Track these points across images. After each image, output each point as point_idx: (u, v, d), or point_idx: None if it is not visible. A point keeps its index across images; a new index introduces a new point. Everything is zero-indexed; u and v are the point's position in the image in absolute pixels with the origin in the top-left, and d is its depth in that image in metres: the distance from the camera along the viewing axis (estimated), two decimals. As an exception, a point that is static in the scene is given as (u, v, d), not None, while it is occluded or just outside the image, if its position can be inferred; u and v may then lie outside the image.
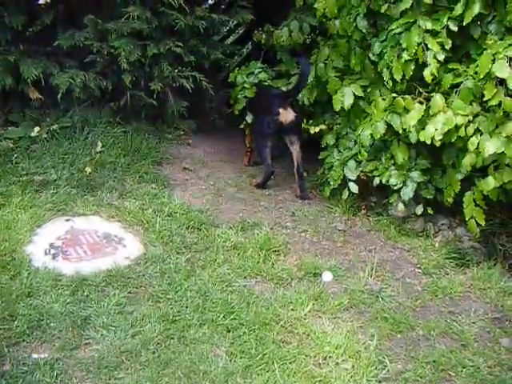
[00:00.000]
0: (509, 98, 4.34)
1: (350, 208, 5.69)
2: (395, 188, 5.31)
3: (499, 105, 4.41)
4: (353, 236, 5.39)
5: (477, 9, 4.61)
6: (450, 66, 4.84)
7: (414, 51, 4.85)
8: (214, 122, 7.11)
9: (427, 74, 4.87)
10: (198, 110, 7.04)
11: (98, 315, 4.06)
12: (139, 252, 4.81)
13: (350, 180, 5.60)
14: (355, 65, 5.61)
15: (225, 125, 7.20)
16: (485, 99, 4.46)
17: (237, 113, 6.48)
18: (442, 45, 4.81)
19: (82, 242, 4.90)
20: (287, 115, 5.94)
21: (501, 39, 4.57)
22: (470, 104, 4.64)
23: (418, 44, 4.83)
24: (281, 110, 5.93)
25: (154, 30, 6.45)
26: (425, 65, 4.87)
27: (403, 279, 4.82)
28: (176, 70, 6.60)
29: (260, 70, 6.47)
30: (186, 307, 4.21)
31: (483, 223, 4.94)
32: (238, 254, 4.88)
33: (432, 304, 4.56)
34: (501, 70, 4.30)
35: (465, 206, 4.95)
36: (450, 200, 5.15)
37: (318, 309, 4.34)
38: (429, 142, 4.79)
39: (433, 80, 4.93)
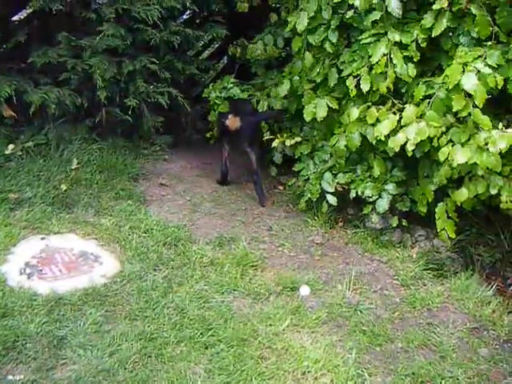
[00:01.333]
0: (477, 110, 4.37)
1: (328, 221, 5.69)
2: (370, 200, 5.32)
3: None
4: (330, 249, 5.39)
5: (446, 21, 4.64)
6: (424, 79, 4.86)
7: (376, 61, 4.87)
8: (190, 137, 7.10)
9: (383, 86, 4.90)
10: (173, 125, 7.03)
11: (75, 335, 4.01)
12: (116, 270, 4.77)
13: (327, 193, 5.60)
14: (318, 76, 5.64)
15: (201, 140, 7.18)
16: (453, 110, 4.49)
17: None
18: (410, 58, 4.84)
19: (57, 260, 4.85)
20: (234, 122, 6.15)
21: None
22: (444, 115, 4.66)
23: (384, 55, 4.85)
24: (230, 116, 6.19)
25: (129, 47, 6.45)
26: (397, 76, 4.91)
27: (381, 291, 4.82)
28: (151, 86, 6.61)
29: (232, 84, 6.48)
30: (164, 325, 4.18)
31: (453, 235, 5.00)
32: (216, 270, 4.86)
33: (410, 316, 4.56)
34: (468, 83, 4.33)
35: (437, 218, 5.00)
36: (424, 210, 5.19)
37: (297, 323, 4.33)
38: (397, 149, 4.80)
39: (406, 91, 4.97)
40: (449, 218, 4.96)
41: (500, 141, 4.24)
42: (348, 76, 5.17)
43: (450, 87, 4.40)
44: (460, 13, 4.62)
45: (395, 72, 4.85)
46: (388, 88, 4.92)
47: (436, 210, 4.99)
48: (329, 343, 4.14)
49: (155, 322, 4.21)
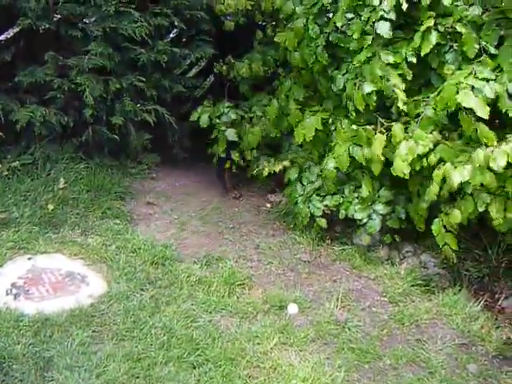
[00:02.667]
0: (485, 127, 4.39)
1: (315, 238, 5.68)
2: (360, 223, 5.34)
3: (460, 134, 4.49)
4: (318, 267, 5.38)
5: (434, 40, 4.68)
6: (413, 97, 4.89)
7: (375, 82, 4.89)
8: (178, 155, 7.09)
9: (399, 105, 4.86)
10: (161, 143, 7.02)
11: (62, 356, 3.99)
12: (103, 290, 4.75)
13: (316, 216, 5.57)
14: (322, 93, 5.66)
15: (188, 158, 7.18)
16: (461, 130, 4.53)
17: (222, 155, 6.47)
18: (403, 76, 4.87)
19: (44, 280, 4.83)
20: None
21: (459, 68, 4.63)
22: (431, 133, 4.68)
23: (381, 77, 4.87)
24: None
25: (116, 65, 6.44)
26: (387, 96, 4.92)
27: (369, 308, 4.82)
28: (138, 105, 6.60)
29: (228, 109, 6.45)
30: (151, 345, 4.17)
31: (456, 247, 4.94)
32: (203, 289, 4.85)
33: (399, 332, 4.57)
34: (467, 100, 4.34)
35: (435, 234, 4.94)
36: (423, 226, 5.18)
37: (285, 342, 4.33)
38: (402, 175, 4.79)
39: (391, 106, 5.00)
40: (448, 231, 4.94)
41: (500, 158, 4.24)
42: (345, 100, 5.21)
43: (453, 108, 4.42)
44: (447, 32, 4.66)
45: (394, 91, 4.85)
46: (376, 106, 4.93)
47: (432, 227, 4.94)
48: (317, 361, 4.14)
49: (143, 342, 4.20)
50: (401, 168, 4.76)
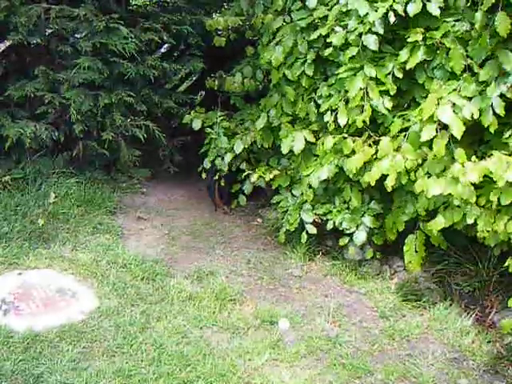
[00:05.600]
0: (447, 143, 4.42)
1: (306, 253, 5.68)
2: (347, 232, 5.34)
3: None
4: (309, 281, 5.38)
5: (420, 55, 4.71)
6: (400, 112, 4.91)
7: (354, 96, 4.91)
8: (168, 170, 7.10)
9: (359, 120, 4.93)
10: (151, 158, 7.04)
11: (52, 372, 3.97)
12: (93, 305, 4.73)
13: (306, 223, 5.58)
14: (300, 111, 5.67)
15: (178, 172, 7.18)
16: (421, 140, 4.52)
17: (209, 165, 6.45)
18: (386, 91, 4.89)
19: (34, 296, 4.80)
20: None
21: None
22: (419, 148, 4.69)
23: (361, 89, 4.90)
24: None
25: (106, 80, 6.46)
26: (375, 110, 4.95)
27: (360, 324, 4.82)
28: (128, 120, 6.62)
29: (221, 118, 6.45)
30: (142, 361, 4.15)
31: (418, 268, 5.04)
32: (194, 305, 4.83)
33: (390, 348, 4.56)
34: (444, 116, 4.37)
35: (405, 249, 5.02)
36: (393, 237, 5.22)
37: (276, 357, 4.31)
38: (373, 183, 4.81)
39: (382, 123, 5.01)
40: (416, 251, 4.99)
41: (471, 172, 4.27)
42: (326, 111, 5.21)
43: (425, 118, 4.44)
44: (434, 47, 4.68)
45: (371, 106, 4.88)
46: (364, 121, 4.95)
47: (405, 241, 5.02)
48: (308, 377, 4.13)
49: (133, 358, 4.17)
50: (375, 176, 4.77)
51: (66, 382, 3.90)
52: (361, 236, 5.29)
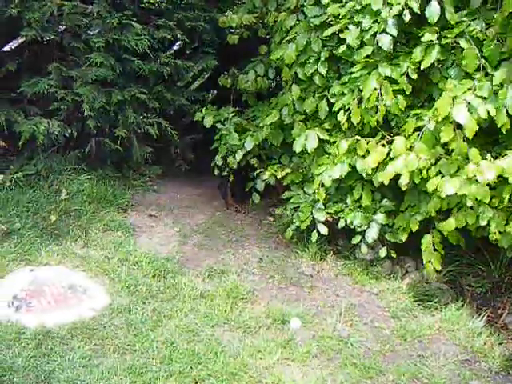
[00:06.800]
0: (465, 143, 4.40)
1: (317, 252, 5.67)
2: (359, 230, 5.32)
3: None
4: (320, 281, 5.37)
5: (435, 54, 4.69)
6: (414, 111, 4.89)
7: (368, 96, 4.89)
8: (180, 167, 7.10)
9: (373, 119, 4.92)
10: (163, 155, 7.03)
11: (63, 369, 3.97)
12: (105, 302, 4.74)
13: (318, 221, 5.56)
14: (309, 107, 5.65)
15: (190, 170, 7.18)
16: (442, 141, 4.51)
17: (220, 161, 6.41)
18: (401, 90, 4.87)
19: (46, 293, 4.81)
20: None
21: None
22: (433, 147, 4.67)
23: (375, 89, 4.88)
24: None
25: (119, 77, 6.46)
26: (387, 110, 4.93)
27: (372, 323, 4.81)
28: (141, 117, 6.62)
29: (233, 114, 6.44)
30: (153, 359, 4.14)
31: (439, 267, 4.99)
32: (205, 303, 4.83)
33: (401, 348, 4.55)
34: (459, 115, 4.35)
35: (423, 249, 4.99)
36: (403, 238, 5.18)
37: (287, 357, 4.30)
38: (387, 182, 4.80)
39: (396, 123, 5.00)
40: (435, 250, 4.95)
41: (488, 171, 4.25)
42: (339, 110, 5.19)
43: (440, 119, 4.42)
44: (449, 46, 4.66)
45: (385, 105, 4.86)
46: (378, 121, 4.93)
47: (422, 241, 4.98)
48: (319, 377, 4.12)
49: (144, 355, 4.17)
50: (389, 176, 4.76)
51: (78, 378, 3.90)
52: (372, 232, 5.26)
